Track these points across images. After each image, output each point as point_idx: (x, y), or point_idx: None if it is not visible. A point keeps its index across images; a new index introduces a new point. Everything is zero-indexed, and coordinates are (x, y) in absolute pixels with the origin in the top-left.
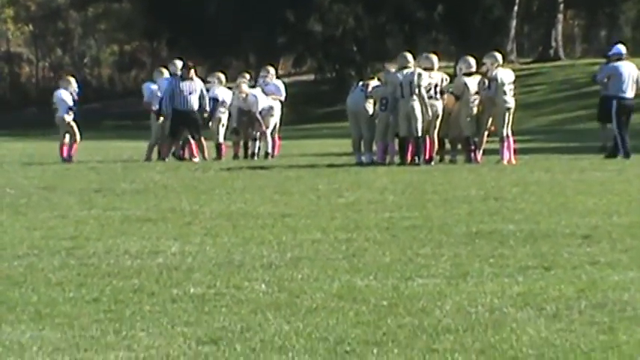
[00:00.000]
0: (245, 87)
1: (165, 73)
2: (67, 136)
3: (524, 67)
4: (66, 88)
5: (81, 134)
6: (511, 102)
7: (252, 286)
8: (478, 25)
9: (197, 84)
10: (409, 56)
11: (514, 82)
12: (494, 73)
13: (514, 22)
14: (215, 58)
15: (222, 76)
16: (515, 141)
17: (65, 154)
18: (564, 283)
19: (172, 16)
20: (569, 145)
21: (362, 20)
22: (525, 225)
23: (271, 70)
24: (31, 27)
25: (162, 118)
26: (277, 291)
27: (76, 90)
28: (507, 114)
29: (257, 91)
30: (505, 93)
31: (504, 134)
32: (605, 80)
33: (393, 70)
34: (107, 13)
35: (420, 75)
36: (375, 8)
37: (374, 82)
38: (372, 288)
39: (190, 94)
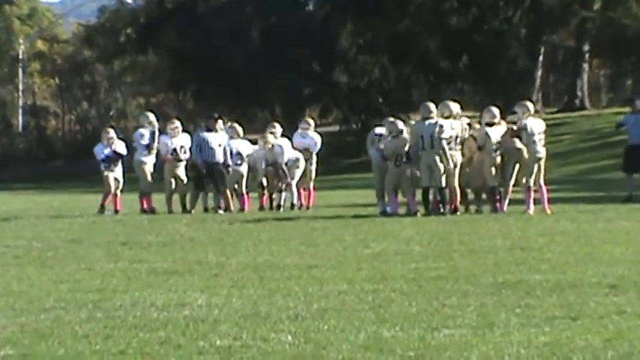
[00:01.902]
0: (271, 137)
1: (151, 117)
2: (113, 187)
3: (550, 116)
4: (101, 142)
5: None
6: (542, 152)
7: (279, 338)
8: (503, 75)
9: (222, 136)
10: (432, 106)
11: (545, 131)
12: (523, 122)
13: (539, 72)
14: (241, 109)
15: (239, 128)
16: (548, 190)
17: (119, 206)
18: (591, 333)
19: (198, 68)
20: (595, 195)
21: (387, 71)
22: (552, 275)
23: (311, 122)
24: (57, 80)
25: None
26: (304, 342)
27: (112, 138)
28: (538, 164)
29: (283, 141)
30: (535, 142)
31: (530, 184)
32: None
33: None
34: (133, 66)
35: (441, 127)
36: (400, 59)
37: (379, 130)
38: (399, 339)
39: (218, 146)
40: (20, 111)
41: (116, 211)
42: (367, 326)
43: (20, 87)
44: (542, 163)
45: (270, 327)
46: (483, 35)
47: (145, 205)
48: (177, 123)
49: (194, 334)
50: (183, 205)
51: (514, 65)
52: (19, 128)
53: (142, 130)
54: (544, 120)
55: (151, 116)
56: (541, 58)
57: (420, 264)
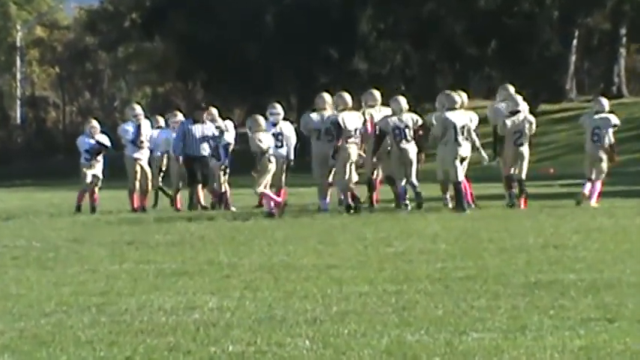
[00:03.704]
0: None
1: (137, 110)
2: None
3: (585, 105)
4: (84, 133)
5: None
6: (591, 148)
7: (296, 343)
8: (534, 60)
9: (209, 127)
10: (457, 97)
11: (613, 126)
12: (580, 119)
13: (573, 58)
14: (254, 99)
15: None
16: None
17: (96, 202)
18: (629, 336)
19: (208, 55)
20: (632, 189)
21: (410, 57)
22: (587, 274)
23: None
24: (57, 69)
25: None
26: (322, 348)
27: (94, 127)
28: (591, 160)
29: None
30: (588, 139)
31: (592, 177)
32: None
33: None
34: (138, 54)
35: (471, 118)
36: (423, 44)
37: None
38: (424, 343)
39: (201, 138)
40: (18, 102)
41: (93, 209)
42: (390, 330)
43: (18, 76)
44: (597, 162)
45: (286, 331)
46: (513, 18)
47: (136, 204)
48: (180, 115)
49: (205, 339)
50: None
51: (546, 50)
52: (16, 120)
53: (125, 126)
54: (578, 109)
55: (138, 109)
56: (575, 42)
57: (447, 263)
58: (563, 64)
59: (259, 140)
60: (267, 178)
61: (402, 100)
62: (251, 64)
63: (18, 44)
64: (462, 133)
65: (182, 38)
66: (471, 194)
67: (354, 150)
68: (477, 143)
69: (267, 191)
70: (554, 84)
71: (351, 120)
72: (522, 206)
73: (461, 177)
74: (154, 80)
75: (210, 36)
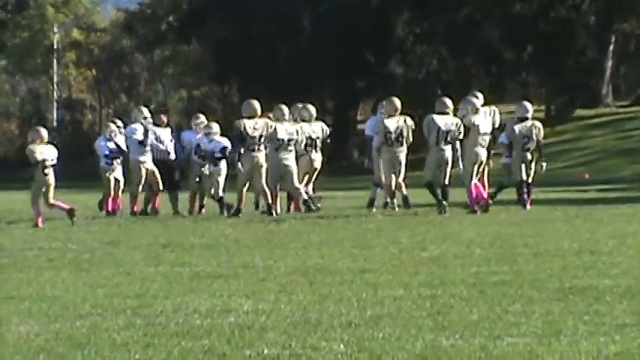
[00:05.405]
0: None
1: (146, 112)
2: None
3: (621, 110)
4: (103, 135)
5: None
6: None
7: (330, 347)
8: (571, 66)
9: (169, 131)
10: (448, 101)
11: None
12: None
13: (609, 63)
14: (289, 103)
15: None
16: None
17: (110, 207)
18: None
19: (244, 58)
20: None
21: (446, 62)
22: (623, 280)
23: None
24: (93, 71)
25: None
26: (357, 351)
27: (114, 131)
28: None
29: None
30: None
31: None
32: None
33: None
34: (175, 57)
35: (457, 124)
36: (460, 49)
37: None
38: (458, 348)
39: (165, 142)
40: (55, 105)
41: (113, 212)
42: (425, 334)
43: (55, 79)
44: None
45: (321, 335)
46: (549, 23)
47: (136, 208)
48: (203, 118)
49: (240, 342)
50: (201, 206)
51: (582, 55)
52: (53, 123)
53: (134, 125)
54: (614, 114)
55: (146, 111)
56: (611, 47)
57: (482, 268)
58: (599, 70)
59: (35, 152)
60: (42, 191)
61: (311, 108)
62: (287, 67)
63: (55, 47)
64: (446, 138)
65: (218, 41)
66: (485, 198)
67: (261, 157)
68: (458, 153)
69: (39, 206)
70: (590, 89)
71: (255, 127)
72: (527, 206)
73: (447, 180)
74: (190, 83)
75: (247, 39)
